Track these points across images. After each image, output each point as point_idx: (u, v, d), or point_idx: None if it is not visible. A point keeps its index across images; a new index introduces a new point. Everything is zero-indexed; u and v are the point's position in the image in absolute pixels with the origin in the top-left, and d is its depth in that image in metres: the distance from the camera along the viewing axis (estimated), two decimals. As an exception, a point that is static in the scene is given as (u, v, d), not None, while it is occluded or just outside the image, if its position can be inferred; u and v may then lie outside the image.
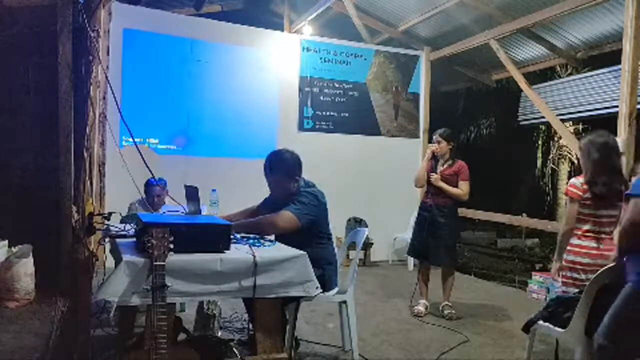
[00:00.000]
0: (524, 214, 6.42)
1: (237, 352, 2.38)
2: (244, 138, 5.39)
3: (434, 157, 4.00)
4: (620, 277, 2.11)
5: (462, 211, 4.74)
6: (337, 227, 2.96)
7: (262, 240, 2.44)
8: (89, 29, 2.22)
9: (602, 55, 5.79)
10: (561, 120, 5.86)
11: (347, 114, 6.08)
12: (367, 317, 3.80)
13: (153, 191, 3.61)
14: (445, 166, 3.92)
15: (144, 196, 3.50)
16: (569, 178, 7.29)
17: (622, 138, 3.79)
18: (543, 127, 8.39)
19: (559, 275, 2.74)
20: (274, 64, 5.71)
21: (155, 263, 1.83)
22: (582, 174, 2.71)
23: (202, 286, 2.00)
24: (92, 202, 2.51)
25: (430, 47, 6.49)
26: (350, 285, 2.83)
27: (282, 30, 7.29)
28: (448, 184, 3.86)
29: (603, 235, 2.60)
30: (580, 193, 2.65)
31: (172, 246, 1.89)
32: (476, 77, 7.47)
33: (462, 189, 3.85)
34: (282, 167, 2.67)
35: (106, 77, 2.65)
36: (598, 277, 2.29)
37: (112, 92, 2.57)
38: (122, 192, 3.51)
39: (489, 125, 9.35)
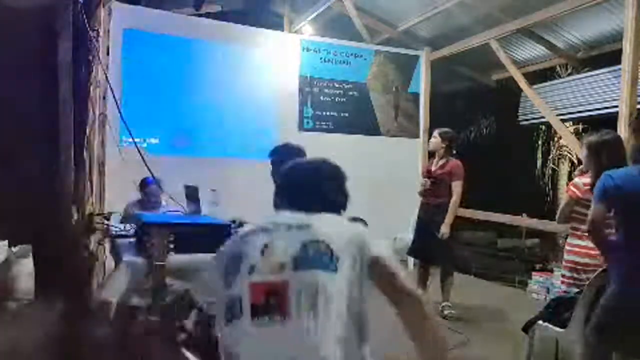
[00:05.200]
0: (524, 214, 6.40)
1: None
2: (243, 138, 5.39)
3: (432, 155, 4.10)
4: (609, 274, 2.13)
5: (462, 211, 4.74)
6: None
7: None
8: (89, 29, 2.23)
9: (602, 55, 5.78)
10: (561, 120, 5.85)
11: (347, 114, 6.08)
12: (367, 317, 3.79)
13: (149, 191, 3.60)
14: (437, 165, 3.95)
15: (141, 196, 3.50)
16: (569, 178, 7.29)
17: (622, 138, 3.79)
18: (543, 127, 8.38)
19: None
20: (274, 63, 5.70)
21: (155, 263, 1.82)
22: (585, 174, 2.69)
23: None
24: (92, 202, 2.51)
25: (431, 47, 6.49)
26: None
27: (282, 30, 7.28)
28: (439, 183, 3.87)
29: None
30: (579, 194, 2.64)
31: (172, 246, 1.89)
32: (476, 77, 7.46)
33: (455, 191, 3.85)
34: (282, 151, 2.76)
35: (106, 77, 2.65)
36: (597, 277, 2.29)
37: (112, 92, 2.57)
38: (122, 192, 3.51)
39: (489, 125, 9.34)
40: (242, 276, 1.20)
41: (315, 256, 1.17)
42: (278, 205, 1.45)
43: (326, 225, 1.25)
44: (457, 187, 3.85)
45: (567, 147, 7.66)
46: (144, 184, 3.55)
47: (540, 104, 5.63)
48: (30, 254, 1.93)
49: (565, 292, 2.66)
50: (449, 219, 3.80)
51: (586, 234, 2.62)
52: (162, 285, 1.82)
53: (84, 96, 2.29)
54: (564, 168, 8.17)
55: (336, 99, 6.04)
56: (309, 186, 1.40)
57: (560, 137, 7.58)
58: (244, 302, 1.16)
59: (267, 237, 1.25)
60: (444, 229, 3.79)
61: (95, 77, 2.45)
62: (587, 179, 2.64)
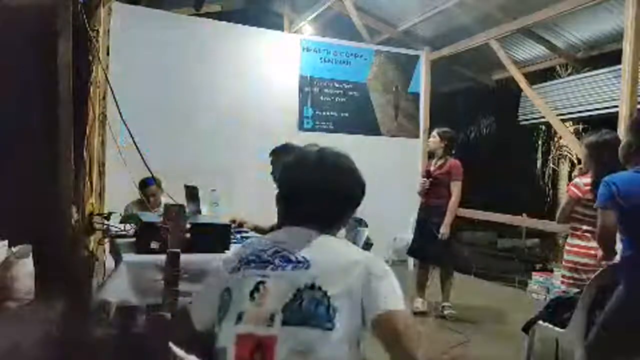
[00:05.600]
0: (524, 214, 6.40)
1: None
2: (243, 138, 5.39)
3: (431, 155, 4.12)
4: (619, 277, 2.12)
5: (462, 211, 4.74)
6: (336, 227, 2.98)
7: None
8: (88, 28, 2.23)
9: (602, 55, 5.79)
10: (561, 120, 5.85)
11: (347, 114, 6.08)
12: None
13: (149, 191, 3.59)
14: (437, 165, 3.96)
15: (141, 197, 3.49)
16: (569, 178, 7.29)
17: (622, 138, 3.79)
18: (543, 127, 8.38)
19: None
20: (274, 64, 5.70)
21: (170, 250, 1.63)
22: (585, 174, 2.68)
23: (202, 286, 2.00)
24: (92, 202, 2.51)
25: (431, 47, 6.49)
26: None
27: (282, 30, 7.29)
28: (438, 184, 3.88)
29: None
30: (580, 194, 2.63)
31: (189, 231, 1.75)
32: (476, 77, 7.46)
33: (453, 191, 3.85)
34: (281, 151, 2.75)
35: (106, 77, 2.65)
36: (597, 277, 2.29)
37: (112, 92, 2.57)
38: (122, 192, 3.50)
39: (489, 125, 9.36)
40: (229, 322, 1.10)
41: (309, 308, 1.04)
42: (279, 215, 1.32)
43: (328, 261, 1.11)
44: (456, 187, 3.85)
45: (567, 147, 7.66)
46: (143, 185, 3.54)
47: (540, 104, 5.64)
48: (30, 254, 1.93)
49: (565, 292, 2.66)
50: (448, 219, 3.80)
51: (586, 234, 2.63)
52: (175, 275, 1.62)
53: (84, 96, 2.29)
54: (564, 168, 8.17)
55: (336, 99, 6.04)
56: (312, 196, 1.22)
57: (560, 137, 7.58)
58: (229, 356, 1.07)
59: (260, 273, 1.11)
60: (444, 229, 3.79)
61: (95, 77, 2.45)
62: (587, 179, 2.64)
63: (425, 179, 3.96)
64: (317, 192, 1.23)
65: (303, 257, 1.11)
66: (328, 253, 1.14)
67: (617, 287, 2.05)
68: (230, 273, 1.17)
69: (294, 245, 1.15)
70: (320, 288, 1.06)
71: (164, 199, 3.54)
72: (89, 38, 2.25)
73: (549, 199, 8.50)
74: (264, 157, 2.92)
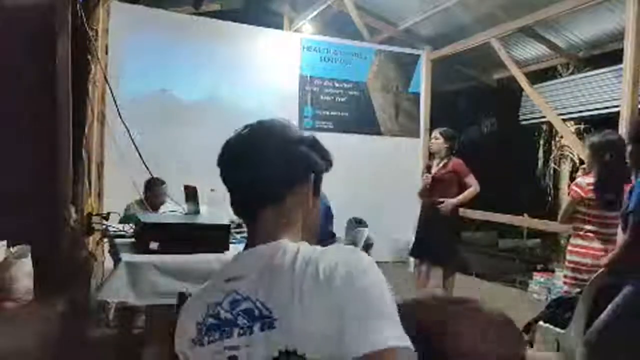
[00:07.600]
0: (525, 214, 6.39)
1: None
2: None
3: (432, 156, 4.07)
4: (619, 277, 2.11)
5: (462, 211, 4.73)
6: (337, 227, 2.96)
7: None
8: (87, 28, 2.22)
9: (603, 55, 5.77)
10: (562, 119, 5.84)
11: (347, 114, 6.07)
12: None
13: (155, 191, 3.59)
14: (440, 165, 3.93)
15: (142, 196, 3.49)
16: (571, 178, 7.27)
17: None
18: (544, 127, 8.37)
19: None
20: (274, 63, 5.69)
21: None
22: (588, 174, 2.68)
23: (201, 287, 1.99)
24: (91, 202, 2.50)
25: (431, 46, 6.47)
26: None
27: (282, 29, 7.27)
28: (443, 183, 3.86)
29: (607, 237, 2.59)
30: (583, 194, 2.63)
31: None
32: (477, 77, 7.45)
33: (471, 183, 3.84)
34: None
35: (105, 76, 2.65)
36: (597, 276, 2.28)
37: (111, 92, 2.57)
38: (121, 192, 3.50)
39: (490, 125, 9.35)
40: None
41: None
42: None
43: (290, 302, 0.76)
44: (471, 179, 3.86)
45: (569, 146, 7.64)
46: (149, 185, 3.54)
47: (541, 103, 5.62)
48: (29, 254, 1.92)
49: (567, 292, 2.66)
50: (459, 198, 3.80)
51: (589, 234, 2.62)
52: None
53: (83, 95, 2.29)
54: (566, 168, 8.15)
55: (336, 99, 6.03)
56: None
57: (561, 137, 7.56)
58: None
59: (229, 344, 0.80)
60: (447, 205, 3.77)
61: (94, 77, 2.45)
62: (590, 179, 2.63)
63: (427, 174, 3.92)
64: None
65: (262, 303, 0.79)
66: (285, 283, 0.78)
67: (624, 286, 2.04)
68: (191, 348, 0.86)
69: (250, 282, 0.82)
70: (295, 352, 0.75)
71: (167, 200, 3.54)
72: (88, 37, 2.25)
73: (550, 199, 8.48)
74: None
